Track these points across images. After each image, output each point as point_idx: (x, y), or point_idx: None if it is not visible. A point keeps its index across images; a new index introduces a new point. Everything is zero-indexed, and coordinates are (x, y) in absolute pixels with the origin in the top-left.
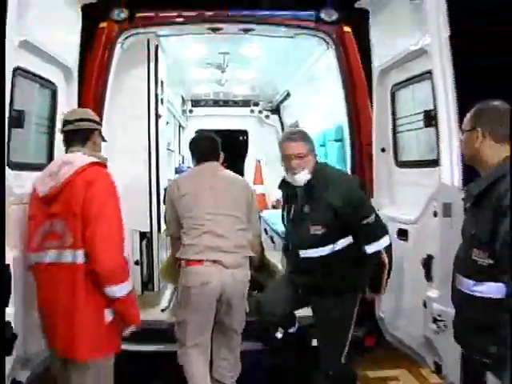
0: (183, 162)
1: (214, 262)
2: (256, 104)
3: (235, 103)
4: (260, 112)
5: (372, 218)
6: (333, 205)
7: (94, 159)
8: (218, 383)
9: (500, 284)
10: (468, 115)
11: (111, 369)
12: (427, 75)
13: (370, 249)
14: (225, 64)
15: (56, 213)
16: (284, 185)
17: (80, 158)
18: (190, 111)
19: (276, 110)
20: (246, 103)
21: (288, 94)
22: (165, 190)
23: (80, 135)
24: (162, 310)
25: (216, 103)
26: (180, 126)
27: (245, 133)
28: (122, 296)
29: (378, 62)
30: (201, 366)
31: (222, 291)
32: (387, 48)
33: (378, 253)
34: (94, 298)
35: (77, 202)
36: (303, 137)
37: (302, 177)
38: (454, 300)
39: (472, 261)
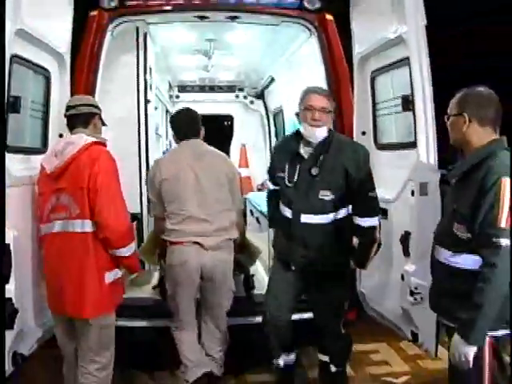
0: (170, 146)
1: (194, 243)
2: (241, 89)
3: (220, 89)
4: (245, 97)
5: (375, 194)
6: (347, 169)
7: (95, 139)
8: (207, 356)
9: (475, 257)
10: (454, 100)
11: (113, 326)
12: (405, 62)
13: (367, 222)
14: (211, 51)
15: (62, 187)
16: (287, 144)
17: (82, 138)
18: (177, 97)
19: (261, 96)
20: (231, 89)
21: (272, 80)
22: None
23: (82, 119)
24: (153, 288)
25: (202, 89)
26: (167, 111)
27: (230, 118)
28: (131, 254)
29: (358, 49)
30: (190, 334)
31: (201, 270)
32: (367, 36)
33: (372, 228)
34: (98, 262)
35: (83, 176)
36: (329, 95)
37: (321, 132)
38: (432, 270)
39: (452, 233)
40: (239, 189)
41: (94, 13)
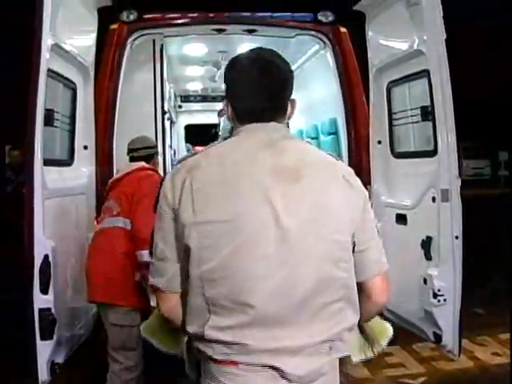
0: (175, 156)
1: (268, 367)
2: None
3: (223, 99)
4: None
5: None
6: None
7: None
8: None
9: None
10: None
11: (134, 327)
12: (423, 74)
13: None
14: (222, 62)
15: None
16: None
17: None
18: (180, 106)
19: None
20: None
21: None
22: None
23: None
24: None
25: (204, 98)
26: (171, 121)
27: None
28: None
29: (374, 61)
30: None
31: None
32: (384, 48)
33: None
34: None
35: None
36: None
37: None
38: None
39: None
40: (375, 230)
41: (115, 26)
